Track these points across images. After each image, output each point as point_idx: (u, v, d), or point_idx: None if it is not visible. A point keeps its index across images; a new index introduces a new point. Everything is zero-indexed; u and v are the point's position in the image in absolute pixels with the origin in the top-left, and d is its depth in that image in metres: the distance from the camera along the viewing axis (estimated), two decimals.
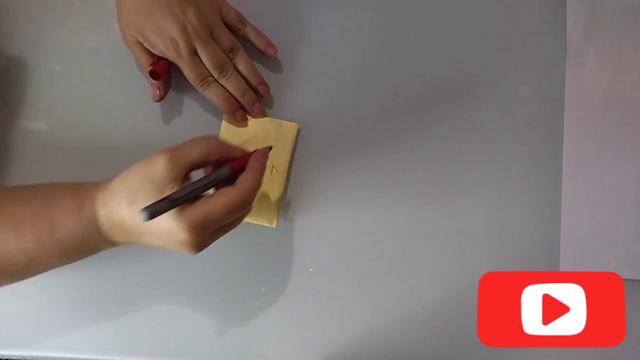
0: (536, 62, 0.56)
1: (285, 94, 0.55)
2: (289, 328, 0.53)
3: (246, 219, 0.51)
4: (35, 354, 0.52)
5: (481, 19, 0.56)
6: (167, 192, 0.37)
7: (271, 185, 0.53)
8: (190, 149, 0.39)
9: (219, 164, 0.41)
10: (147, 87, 0.54)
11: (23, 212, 0.40)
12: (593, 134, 0.54)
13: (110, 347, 0.52)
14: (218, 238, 0.42)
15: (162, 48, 0.49)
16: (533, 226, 0.54)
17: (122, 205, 0.38)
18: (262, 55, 0.55)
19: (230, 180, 0.40)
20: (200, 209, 0.38)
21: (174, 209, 0.37)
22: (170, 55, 0.49)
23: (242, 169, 0.41)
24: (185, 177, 0.39)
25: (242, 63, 0.52)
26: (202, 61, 0.50)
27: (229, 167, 0.40)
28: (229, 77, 0.51)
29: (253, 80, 0.53)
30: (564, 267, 0.53)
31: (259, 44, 0.54)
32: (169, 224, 0.37)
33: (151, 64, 0.50)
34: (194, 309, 0.52)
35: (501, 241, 0.54)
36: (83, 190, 0.41)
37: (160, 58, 0.50)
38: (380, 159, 0.54)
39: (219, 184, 0.40)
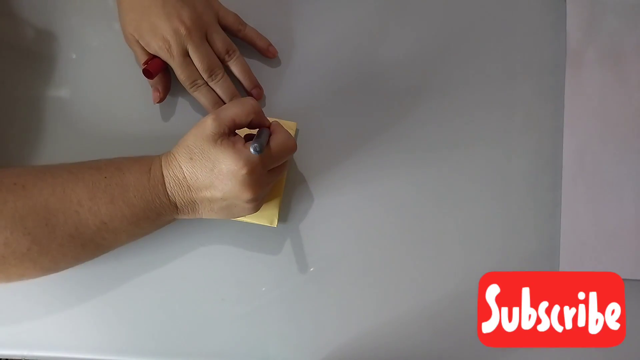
0: (536, 62, 0.56)
1: (284, 94, 0.55)
2: (289, 328, 0.53)
3: (246, 219, 0.52)
4: (35, 354, 0.52)
5: (481, 19, 0.56)
6: (219, 144, 0.43)
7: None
8: (231, 108, 0.44)
9: (253, 125, 0.46)
10: (147, 85, 0.54)
11: (96, 177, 0.43)
12: (593, 134, 0.54)
13: (110, 347, 0.52)
14: (270, 184, 0.47)
15: (155, 47, 0.49)
16: (533, 226, 0.54)
17: (183, 162, 0.44)
18: (263, 56, 0.55)
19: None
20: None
21: (231, 153, 0.42)
22: (163, 55, 0.49)
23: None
24: (230, 132, 0.44)
25: (237, 66, 0.53)
26: (193, 63, 0.50)
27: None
28: (219, 80, 0.51)
29: (248, 84, 0.53)
30: (564, 267, 0.53)
31: (260, 44, 0.54)
32: (228, 165, 0.42)
33: (144, 63, 0.50)
34: (194, 309, 0.52)
35: (501, 241, 0.54)
36: (150, 157, 0.46)
37: (155, 57, 0.50)
38: (379, 159, 0.54)
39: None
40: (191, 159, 0.43)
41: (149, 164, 0.45)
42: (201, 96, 0.52)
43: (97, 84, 0.55)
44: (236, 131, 0.46)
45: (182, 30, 0.48)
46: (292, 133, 0.53)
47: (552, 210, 0.54)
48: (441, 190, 0.54)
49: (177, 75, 0.51)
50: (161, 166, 0.44)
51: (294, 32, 0.56)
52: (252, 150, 0.40)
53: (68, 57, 0.55)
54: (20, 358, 0.52)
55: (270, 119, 0.53)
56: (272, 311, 0.53)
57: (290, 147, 0.46)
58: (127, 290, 0.53)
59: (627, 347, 0.53)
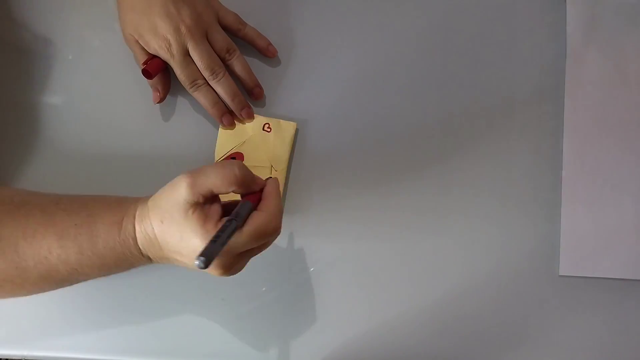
0: (536, 62, 0.56)
1: (284, 94, 0.55)
2: (289, 328, 0.53)
3: None
4: (35, 354, 0.52)
5: (481, 19, 0.56)
6: (189, 216, 0.39)
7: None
8: (210, 176, 0.39)
9: (238, 193, 0.42)
10: (147, 86, 0.54)
11: (67, 224, 0.42)
12: (593, 134, 0.54)
13: (110, 347, 0.52)
14: (247, 261, 0.43)
15: (155, 47, 0.49)
16: (533, 226, 0.54)
17: (154, 222, 0.40)
18: (262, 55, 0.55)
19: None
20: None
21: (199, 231, 0.38)
22: (163, 55, 0.49)
23: (259, 199, 0.42)
24: (206, 201, 0.40)
25: (238, 65, 0.53)
26: (194, 62, 0.50)
27: (251, 200, 0.41)
28: (219, 79, 0.51)
29: (248, 83, 0.53)
30: (563, 267, 0.53)
31: (260, 43, 0.54)
32: (195, 244, 0.39)
33: (143, 63, 0.50)
34: (194, 308, 0.52)
35: (501, 241, 0.54)
36: (124, 205, 0.43)
37: (154, 57, 0.50)
38: (379, 158, 0.54)
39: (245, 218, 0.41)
40: (162, 222, 0.40)
41: (122, 213, 0.42)
42: (201, 96, 0.52)
43: (97, 84, 0.55)
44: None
45: (183, 29, 0.48)
46: (292, 133, 0.53)
47: (552, 210, 0.54)
48: (441, 191, 0.54)
49: (177, 74, 0.50)
50: (134, 218, 0.42)
51: (294, 31, 0.56)
52: (196, 263, 0.34)
53: (65, 58, 0.55)
54: (20, 358, 0.52)
55: (269, 119, 0.53)
56: (272, 311, 0.53)
57: (270, 231, 0.40)
58: (127, 291, 0.53)
59: (627, 347, 0.53)
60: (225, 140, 0.53)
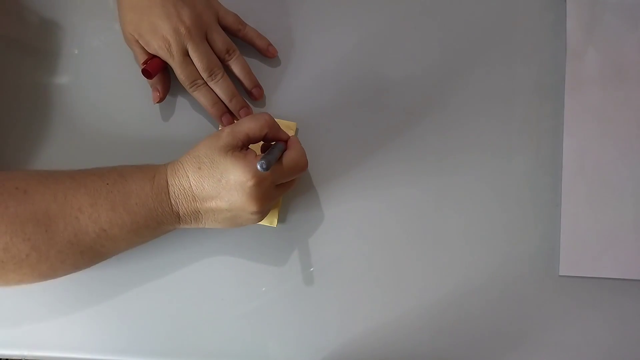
0: (536, 62, 0.56)
1: (284, 94, 0.55)
2: (289, 328, 0.53)
3: None
4: (35, 354, 0.52)
5: (481, 19, 0.56)
6: (229, 155, 0.43)
7: None
8: (247, 124, 0.44)
9: (268, 139, 0.47)
10: (147, 85, 0.54)
11: (98, 184, 0.43)
12: (593, 134, 0.54)
13: (110, 347, 0.52)
14: (277, 197, 0.47)
15: (155, 47, 0.49)
16: (533, 227, 0.54)
17: (190, 171, 0.44)
18: (262, 55, 0.55)
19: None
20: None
21: (242, 164, 0.42)
22: (162, 55, 0.49)
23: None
24: (243, 145, 0.44)
25: (237, 66, 0.53)
26: (193, 62, 0.50)
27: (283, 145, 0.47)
28: (218, 80, 0.51)
29: (248, 84, 0.53)
30: (563, 267, 0.53)
31: (260, 44, 0.54)
32: (237, 176, 0.42)
33: (143, 62, 0.50)
34: (194, 309, 0.52)
35: (501, 241, 0.54)
36: (154, 166, 0.46)
37: (154, 57, 0.50)
38: (380, 158, 0.54)
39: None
40: (199, 168, 0.43)
41: (153, 171, 0.45)
42: (201, 96, 0.52)
43: (97, 84, 0.55)
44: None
45: (182, 30, 0.48)
46: (292, 133, 0.53)
47: (552, 210, 0.54)
48: (441, 191, 0.54)
49: (176, 74, 0.51)
50: (166, 174, 0.44)
51: (294, 31, 0.56)
52: (258, 167, 0.40)
53: (70, 52, 0.55)
54: (20, 358, 0.52)
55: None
56: (272, 311, 0.53)
57: (302, 165, 0.46)
58: (127, 291, 0.53)
59: (627, 347, 0.53)
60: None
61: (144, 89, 0.54)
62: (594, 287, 0.53)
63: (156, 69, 0.50)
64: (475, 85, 0.55)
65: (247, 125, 0.44)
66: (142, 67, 0.50)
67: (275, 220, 0.52)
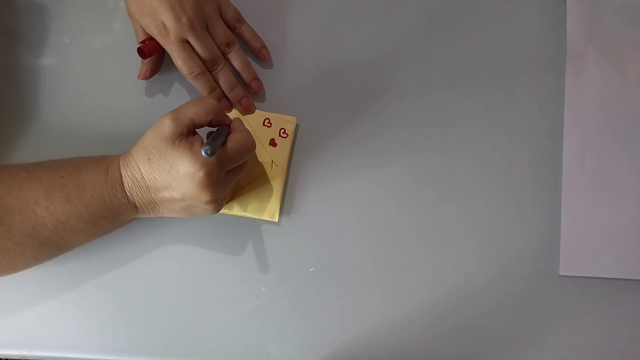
0: (536, 62, 0.56)
1: (283, 89, 0.55)
2: (289, 328, 0.53)
3: (248, 215, 0.52)
4: (35, 354, 0.52)
5: (481, 19, 0.56)
6: (176, 145, 0.42)
7: (272, 179, 0.53)
8: (190, 108, 0.44)
9: (213, 124, 0.46)
10: (147, 84, 0.54)
11: (53, 177, 0.43)
12: (593, 134, 0.54)
13: (110, 347, 0.52)
14: (230, 184, 0.47)
15: (153, 31, 0.49)
16: (533, 226, 0.54)
17: (141, 163, 0.43)
18: (254, 56, 0.55)
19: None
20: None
21: (189, 155, 0.42)
22: (160, 40, 0.50)
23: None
24: (189, 132, 0.44)
25: (236, 59, 0.53)
26: (193, 51, 0.50)
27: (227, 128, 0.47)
28: (219, 70, 0.52)
29: (246, 77, 0.54)
30: (563, 267, 0.53)
31: (254, 44, 0.54)
32: (185, 167, 0.42)
33: (141, 42, 0.51)
34: (194, 308, 0.52)
35: (501, 241, 0.54)
36: (107, 157, 0.45)
37: (152, 38, 0.51)
38: (380, 157, 0.54)
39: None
40: (149, 159, 0.43)
41: (106, 163, 0.45)
42: (199, 84, 0.52)
43: (91, 74, 0.55)
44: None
45: (184, 20, 0.48)
46: (292, 128, 0.53)
47: (552, 210, 0.54)
48: (442, 191, 0.54)
49: (174, 62, 0.51)
50: (119, 166, 0.44)
51: (293, 27, 0.56)
52: (202, 153, 0.40)
53: (62, 42, 0.55)
54: (20, 358, 0.52)
55: (269, 114, 0.54)
56: (272, 311, 0.53)
57: (248, 146, 0.46)
58: (127, 291, 0.53)
59: (627, 347, 0.53)
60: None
61: (142, 89, 0.54)
62: (594, 287, 0.53)
63: (151, 51, 0.51)
64: (475, 84, 0.55)
65: (192, 111, 0.44)
66: (139, 46, 0.50)
67: (277, 215, 0.52)
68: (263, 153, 0.53)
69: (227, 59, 0.53)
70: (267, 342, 0.52)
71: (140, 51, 0.50)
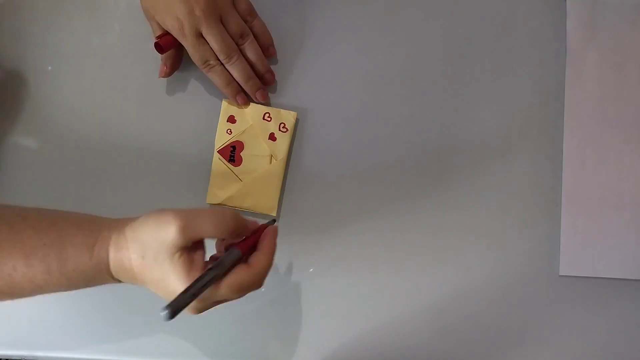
0: (536, 62, 0.56)
1: (285, 84, 0.55)
2: (289, 328, 0.53)
3: (248, 209, 0.52)
4: (35, 354, 0.52)
5: (481, 19, 0.56)
6: (175, 260, 0.38)
7: (271, 174, 0.53)
8: (203, 223, 0.39)
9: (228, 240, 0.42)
10: (147, 83, 0.54)
11: (35, 242, 0.40)
12: (593, 134, 0.54)
13: (110, 347, 0.52)
14: (218, 304, 0.42)
15: (169, 26, 0.49)
16: (533, 227, 0.54)
17: (132, 256, 0.39)
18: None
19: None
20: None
21: (184, 278, 0.38)
22: (175, 34, 0.50)
23: (253, 246, 0.41)
24: (194, 244, 0.39)
25: (250, 50, 0.53)
26: (208, 43, 0.50)
27: (241, 248, 0.40)
28: (234, 62, 0.52)
29: (260, 68, 0.53)
30: (564, 267, 0.53)
31: (262, 40, 0.54)
32: (176, 287, 0.38)
33: (157, 37, 0.51)
34: None
35: (501, 241, 0.54)
36: (97, 227, 0.41)
37: (168, 33, 0.51)
38: (380, 156, 0.54)
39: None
40: (143, 257, 0.39)
41: (94, 237, 0.41)
42: (215, 76, 0.52)
43: (95, 73, 0.55)
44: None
45: (197, 12, 0.48)
46: (292, 122, 0.54)
47: (552, 210, 0.54)
48: (441, 191, 0.54)
49: (190, 54, 0.51)
50: (109, 245, 0.40)
51: (297, 23, 0.56)
52: (161, 314, 0.34)
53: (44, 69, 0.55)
54: (20, 358, 0.52)
55: (269, 108, 0.54)
56: (272, 311, 0.53)
57: (251, 289, 0.40)
58: (127, 291, 0.52)
59: (627, 347, 0.53)
60: (225, 129, 0.53)
61: (145, 79, 0.54)
62: (594, 287, 0.53)
63: (168, 45, 0.51)
64: (476, 85, 0.55)
65: (203, 228, 0.39)
66: (155, 41, 0.50)
67: (275, 209, 0.53)
68: (262, 147, 0.53)
69: (241, 50, 0.52)
70: (267, 342, 0.52)
71: (157, 46, 0.50)
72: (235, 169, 0.53)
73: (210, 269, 0.38)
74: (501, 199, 0.54)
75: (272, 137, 0.53)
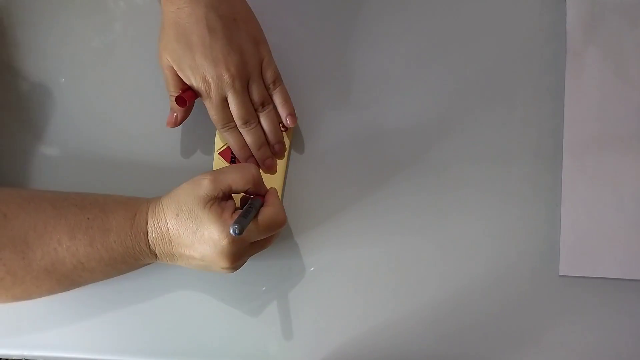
0: (536, 62, 0.56)
1: (284, 82, 0.55)
2: (289, 328, 0.53)
3: None
4: (35, 354, 0.52)
5: (481, 19, 0.56)
6: (208, 208, 0.43)
7: (271, 182, 0.53)
8: (230, 174, 0.44)
9: (249, 193, 0.47)
10: (148, 86, 0.54)
11: (79, 217, 0.43)
12: (593, 134, 0.54)
13: (110, 347, 0.52)
14: (252, 254, 0.47)
15: (193, 84, 0.48)
16: (533, 227, 0.54)
17: (169, 216, 0.44)
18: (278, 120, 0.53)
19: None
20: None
21: (218, 222, 0.42)
22: (200, 93, 0.49)
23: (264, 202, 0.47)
24: (224, 196, 0.44)
25: (267, 119, 0.52)
26: (229, 107, 0.50)
27: (262, 199, 0.47)
28: (250, 129, 0.51)
29: (272, 138, 0.52)
30: (564, 267, 0.53)
31: (282, 110, 0.52)
32: (211, 232, 0.42)
33: (181, 90, 0.49)
34: (194, 308, 0.52)
35: (501, 242, 0.54)
36: (136, 202, 0.46)
37: (190, 88, 0.49)
38: (381, 157, 0.54)
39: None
40: (177, 215, 0.43)
41: (134, 209, 0.45)
42: (231, 138, 0.51)
43: (100, 83, 0.55)
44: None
45: (226, 78, 0.47)
46: (290, 130, 0.53)
47: (552, 210, 0.54)
48: (441, 190, 0.54)
49: (210, 114, 0.50)
50: (147, 214, 0.45)
51: (294, 29, 0.56)
52: (231, 231, 0.39)
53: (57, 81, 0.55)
54: (20, 358, 0.52)
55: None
56: (272, 311, 0.53)
57: (279, 222, 0.45)
58: (127, 291, 0.53)
59: (627, 347, 0.53)
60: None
61: (144, 88, 0.54)
62: (594, 287, 0.53)
63: (191, 100, 0.50)
64: (476, 85, 0.55)
65: (231, 177, 0.44)
66: (177, 94, 0.49)
67: None
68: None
69: (258, 117, 0.51)
70: (267, 342, 0.52)
71: (180, 100, 0.48)
72: None
73: (252, 199, 0.45)
74: (501, 199, 0.54)
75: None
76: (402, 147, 0.55)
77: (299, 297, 0.53)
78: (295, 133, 0.54)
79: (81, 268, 0.43)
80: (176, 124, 0.52)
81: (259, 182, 0.46)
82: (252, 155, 0.53)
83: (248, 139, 0.52)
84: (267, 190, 0.48)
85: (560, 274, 0.53)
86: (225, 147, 0.53)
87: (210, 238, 0.42)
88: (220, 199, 0.44)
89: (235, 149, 0.52)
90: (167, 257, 0.45)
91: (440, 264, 0.53)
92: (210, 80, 0.48)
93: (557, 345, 0.53)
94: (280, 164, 0.53)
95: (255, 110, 0.51)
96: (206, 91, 0.48)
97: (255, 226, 0.44)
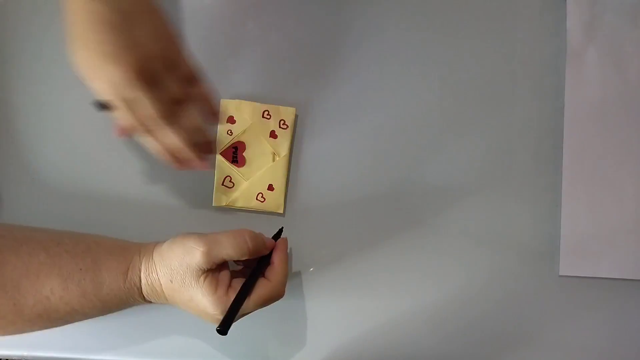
0: (536, 62, 0.56)
1: (282, 79, 0.55)
2: (289, 328, 0.53)
3: (255, 209, 0.53)
4: (35, 354, 0.52)
5: (481, 19, 0.56)
6: (201, 282, 0.43)
7: (275, 172, 0.53)
8: (224, 247, 0.43)
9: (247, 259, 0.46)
10: None
11: (72, 267, 0.43)
12: (593, 134, 0.54)
13: (110, 347, 0.52)
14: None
15: (97, 88, 0.41)
16: (533, 227, 0.54)
17: (163, 279, 0.44)
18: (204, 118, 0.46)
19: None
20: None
21: (211, 298, 0.43)
22: (106, 97, 0.41)
23: (269, 258, 0.47)
24: (218, 266, 0.44)
25: (185, 119, 0.44)
26: (140, 108, 0.41)
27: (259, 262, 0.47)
28: (167, 130, 0.43)
29: (195, 137, 0.44)
30: (563, 267, 0.53)
31: (202, 108, 0.45)
32: (205, 306, 0.43)
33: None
34: None
35: (501, 242, 0.54)
36: (128, 253, 0.45)
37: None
38: (381, 155, 0.54)
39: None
40: (171, 281, 0.44)
41: (127, 262, 0.45)
42: (148, 143, 0.44)
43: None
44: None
45: (131, 75, 0.40)
46: (292, 118, 0.53)
47: (552, 210, 0.54)
48: (441, 191, 0.54)
49: (120, 120, 0.43)
50: (139, 270, 0.45)
51: (296, 23, 0.56)
52: (216, 330, 0.42)
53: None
54: (20, 358, 0.52)
55: (268, 106, 0.53)
56: (272, 311, 0.53)
57: (275, 298, 0.46)
58: None
59: (627, 347, 0.53)
60: (225, 130, 0.53)
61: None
62: (594, 287, 0.53)
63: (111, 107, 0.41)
64: (475, 84, 0.55)
65: (225, 251, 0.43)
66: (96, 100, 0.42)
67: (283, 207, 0.53)
68: (264, 145, 0.53)
69: (176, 116, 0.43)
70: (267, 342, 0.52)
71: (98, 104, 0.42)
72: (240, 170, 0.53)
73: (240, 292, 0.44)
74: (501, 199, 0.54)
75: (272, 134, 0.53)
76: (402, 146, 0.55)
77: (298, 297, 0.53)
78: (296, 133, 0.54)
79: (74, 313, 0.44)
80: (123, 134, 0.45)
81: (255, 249, 0.45)
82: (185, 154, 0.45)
83: (167, 140, 0.44)
84: (271, 247, 0.47)
85: (560, 274, 0.53)
86: (226, 147, 0.53)
87: (204, 310, 0.44)
88: (214, 271, 0.44)
89: (158, 154, 0.45)
90: (164, 303, 0.47)
91: (440, 264, 0.53)
92: (113, 80, 0.40)
93: (557, 345, 0.53)
94: (282, 164, 0.53)
95: (170, 110, 0.42)
96: (111, 94, 0.40)
97: (249, 304, 0.44)
